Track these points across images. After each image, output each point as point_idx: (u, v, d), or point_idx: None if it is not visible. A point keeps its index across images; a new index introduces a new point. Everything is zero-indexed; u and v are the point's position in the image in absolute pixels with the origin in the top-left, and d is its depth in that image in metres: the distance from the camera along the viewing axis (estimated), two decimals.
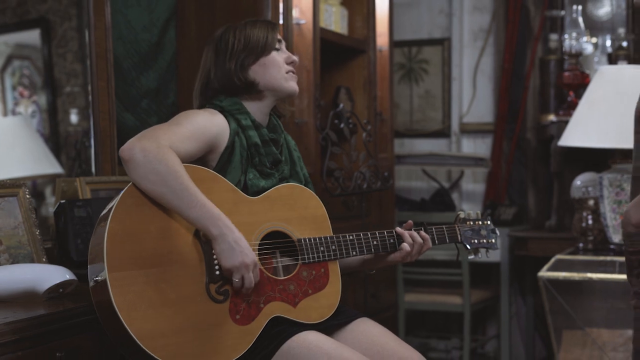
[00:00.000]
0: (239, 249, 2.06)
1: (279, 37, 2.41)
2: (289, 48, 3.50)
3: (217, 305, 2.09)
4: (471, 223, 2.52)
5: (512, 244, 4.64)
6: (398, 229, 2.39)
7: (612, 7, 4.90)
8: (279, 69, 2.36)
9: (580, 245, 3.93)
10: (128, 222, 2.03)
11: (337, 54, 4.21)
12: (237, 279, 2.08)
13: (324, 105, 3.74)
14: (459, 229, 2.49)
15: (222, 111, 2.32)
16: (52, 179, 3.16)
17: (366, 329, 2.33)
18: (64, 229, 2.53)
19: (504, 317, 4.77)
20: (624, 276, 3.30)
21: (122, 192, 2.06)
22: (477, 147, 5.21)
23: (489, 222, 2.55)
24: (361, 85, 4.29)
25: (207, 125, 2.23)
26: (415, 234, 2.38)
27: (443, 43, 5.27)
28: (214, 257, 2.10)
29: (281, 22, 3.50)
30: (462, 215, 2.54)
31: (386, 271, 4.37)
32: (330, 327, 2.28)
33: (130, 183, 2.08)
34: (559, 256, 3.74)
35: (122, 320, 1.95)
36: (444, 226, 2.48)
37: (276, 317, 2.17)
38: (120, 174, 2.97)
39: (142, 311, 1.99)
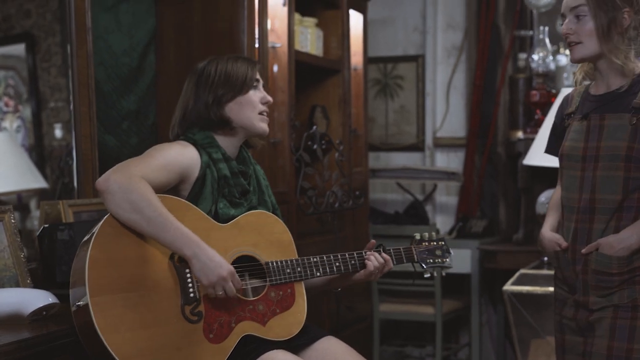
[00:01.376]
0: (213, 264, 2.22)
1: (258, 76, 2.55)
2: (264, 71, 3.65)
3: (192, 326, 2.25)
4: (427, 244, 2.69)
5: (481, 257, 4.80)
6: (362, 252, 2.56)
7: None
8: (253, 108, 2.51)
9: (545, 259, 4.10)
10: (107, 250, 2.19)
11: (312, 74, 4.36)
12: (220, 292, 2.24)
13: (299, 126, 3.89)
14: (415, 250, 2.67)
15: (195, 144, 2.47)
16: (37, 192, 3.29)
17: (331, 347, 2.49)
18: (47, 252, 2.67)
19: (475, 326, 4.93)
20: None
21: (101, 222, 2.21)
22: (450, 160, 5.38)
23: (443, 243, 2.73)
24: (336, 103, 4.44)
25: (178, 157, 2.39)
26: (377, 255, 2.56)
27: (417, 60, 5.43)
28: (189, 280, 2.25)
29: (257, 45, 3.64)
30: (418, 236, 2.71)
31: (362, 283, 4.53)
32: (297, 346, 2.44)
33: (107, 214, 2.23)
34: (523, 270, 3.91)
35: (105, 342, 2.10)
36: (401, 247, 2.66)
37: (247, 336, 2.33)
38: None
39: (122, 333, 2.14)
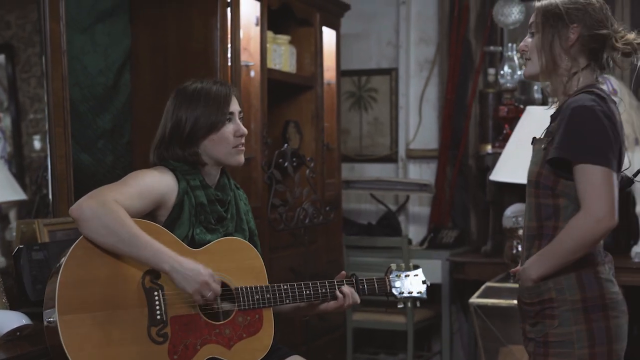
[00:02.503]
0: (192, 273, 2.32)
1: (233, 108, 2.58)
2: (237, 89, 3.74)
3: (157, 347, 2.34)
4: (401, 274, 2.75)
5: (451, 267, 4.92)
6: (333, 281, 2.63)
7: None
8: (227, 144, 2.56)
9: (511, 271, 4.21)
10: (79, 270, 2.29)
11: (286, 90, 4.46)
12: (208, 295, 2.34)
13: (271, 143, 3.99)
14: (388, 281, 2.73)
15: (174, 171, 2.54)
16: (16, 203, 3.36)
17: None
18: (22, 272, 2.76)
19: (445, 334, 5.04)
20: None
21: (74, 245, 2.31)
22: (423, 172, 5.49)
23: (418, 274, 2.78)
24: (309, 118, 4.55)
25: (154, 185, 2.47)
26: (348, 286, 2.63)
27: (390, 73, 5.54)
28: (156, 302, 2.35)
29: (229, 64, 3.74)
30: (393, 267, 2.77)
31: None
32: None
33: (81, 237, 2.32)
34: (488, 283, 4.02)
35: (70, 359, 2.20)
36: (374, 278, 2.72)
37: (212, 358, 2.42)
38: None
39: (88, 350, 2.25)
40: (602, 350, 2.30)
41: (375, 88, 5.59)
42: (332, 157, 4.77)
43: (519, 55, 2.51)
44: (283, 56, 4.33)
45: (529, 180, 2.41)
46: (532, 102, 4.88)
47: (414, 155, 5.52)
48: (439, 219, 5.34)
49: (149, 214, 2.49)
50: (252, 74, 3.95)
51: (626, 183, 2.43)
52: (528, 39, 2.44)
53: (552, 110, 2.48)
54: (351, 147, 5.63)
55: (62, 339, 2.21)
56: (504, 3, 4.82)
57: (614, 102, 2.37)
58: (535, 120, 4.00)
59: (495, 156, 4.64)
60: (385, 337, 5.47)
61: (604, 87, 2.86)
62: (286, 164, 3.70)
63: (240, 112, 2.62)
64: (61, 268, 2.27)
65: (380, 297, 2.78)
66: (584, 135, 2.24)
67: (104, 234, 2.29)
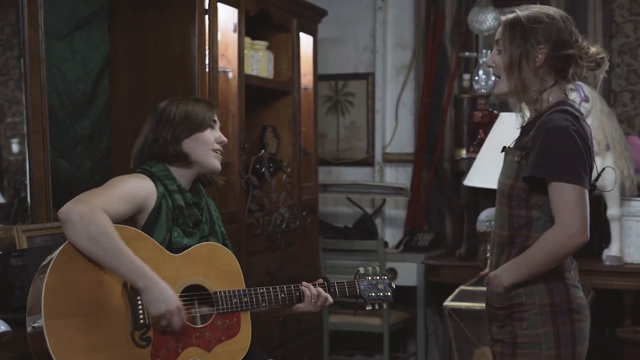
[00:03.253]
0: (163, 298, 2.38)
1: (216, 118, 2.72)
2: (214, 95, 3.80)
3: (140, 350, 2.40)
4: (370, 278, 2.85)
5: (426, 270, 4.98)
6: (304, 283, 2.73)
7: None
8: (208, 146, 2.68)
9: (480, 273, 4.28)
10: (64, 276, 2.34)
11: (264, 95, 4.51)
12: (164, 324, 2.40)
13: (249, 148, 4.04)
14: (358, 284, 2.83)
15: (152, 176, 2.63)
16: None
17: None
18: (1, 278, 2.79)
19: (420, 336, 5.11)
20: None
21: (59, 249, 2.36)
22: (399, 175, 5.56)
23: (385, 278, 2.89)
24: (286, 123, 4.60)
25: (136, 189, 2.55)
26: (316, 289, 2.72)
27: (367, 77, 5.61)
28: (140, 307, 2.40)
29: (207, 70, 3.79)
30: (362, 271, 2.88)
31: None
32: None
33: (67, 241, 2.38)
34: (462, 287, 4.09)
35: None
36: (345, 281, 2.82)
37: None
38: (55, 220, 3.23)
39: (74, 355, 2.29)
40: (567, 351, 2.41)
41: (352, 92, 5.65)
42: (309, 161, 4.82)
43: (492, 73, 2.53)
44: (260, 62, 4.38)
45: (501, 191, 2.49)
46: (508, 108, 4.94)
47: (390, 159, 5.58)
48: (415, 222, 5.40)
49: (129, 219, 2.55)
50: (230, 76, 4.00)
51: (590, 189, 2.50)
52: (496, 55, 2.50)
53: (520, 121, 2.56)
54: (328, 151, 5.69)
55: (48, 344, 2.25)
56: (479, 10, 4.89)
57: (584, 118, 2.45)
58: (509, 126, 4.06)
59: (470, 161, 4.71)
60: (361, 339, 5.53)
61: (576, 94, 2.92)
62: (263, 169, 3.76)
63: (219, 125, 2.74)
64: (47, 273, 2.31)
65: (351, 299, 2.87)
66: (559, 155, 2.34)
67: (86, 239, 2.34)
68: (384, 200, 5.53)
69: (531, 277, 2.40)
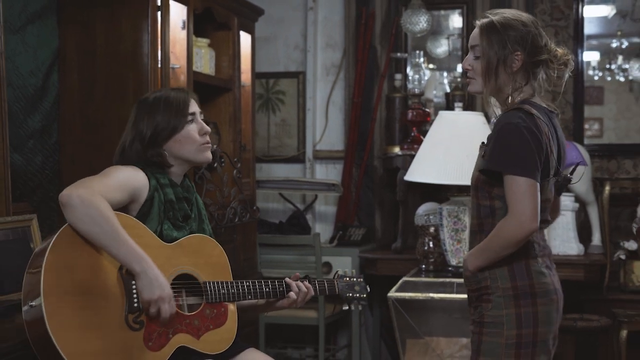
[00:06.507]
0: (157, 284, 2.44)
1: (193, 108, 2.74)
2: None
3: (133, 333, 2.47)
4: (347, 279, 3.00)
5: (362, 264, 5.13)
6: (287, 279, 2.83)
7: (449, 47, 5.48)
8: (193, 143, 2.72)
9: (423, 266, 4.47)
10: (63, 256, 2.39)
11: (206, 92, 4.55)
12: (154, 310, 2.46)
13: None
14: (337, 283, 2.95)
15: (144, 169, 2.67)
16: None
17: (255, 358, 2.75)
18: None
19: (355, 328, 5.25)
20: (460, 295, 3.85)
21: (59, 231, 2.41)
22: (329, 172, 5.69)
23: (361, 280, 3.03)
24: (227, 120, 4.66)
25: (131, 179, 2.60)
26: (300, 284, 2.83)
27: (298, 76, 5.72)
28: (134, 291, 2.47)
29: (159, 66, 3.82)
30: (340, 272, 3.02)
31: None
32: (223, 357, 2.68)
33: (66, 224, 2.43)
34: (405, 278, 4.25)
35: (53, 339, 2.29)
36: (325, 280, 2.94)
37: (182, 347, 2.56)
38: (15, 214, 3.22)
39: (70, 332, 2.34)
40: (528, 332, 2.58)
41: (283, 91, 5.75)
42: (247, 158, 4.89)
43: (466, 74, 2.72)
44: (203, 59, 4.43)
45: (472, 183, 2.69)
46: (442, 107, 5.17)
47: (321, 156, 5.71)
48: (346, 218, 5.54)
49: (121, 208, 2.60)
50: (178, 72, 4.04)
51: (563, 183, 2.70)
52: (472, 60, 2.67)
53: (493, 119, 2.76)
54: (259, 148, 5.77)
55: (46, 321, 2.29)
56: (412, 12, 5.07)
57: (540, 116, 2.60)
58: (448, 124, 4.26)
59: (405, 157, 4.88)
60: (293, 332, 5.64)
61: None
62: (215, 164, 3.82)
63: (200, 113, 2.75)
64: (47, 251, 2.35)
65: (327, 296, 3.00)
66: (510, 150, 2.52)
67: (88, 222, 2.39)
68: (315, 196, 5.65)
69: (491, 261, 2.60)
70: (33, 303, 2.34)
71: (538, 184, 2.53)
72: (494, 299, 2.60)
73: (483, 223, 2.64)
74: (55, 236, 2.40)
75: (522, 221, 2.49)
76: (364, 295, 2.99)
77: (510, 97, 2.63)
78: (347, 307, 2.99)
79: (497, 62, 2.59)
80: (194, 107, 2.75)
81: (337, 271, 3.02)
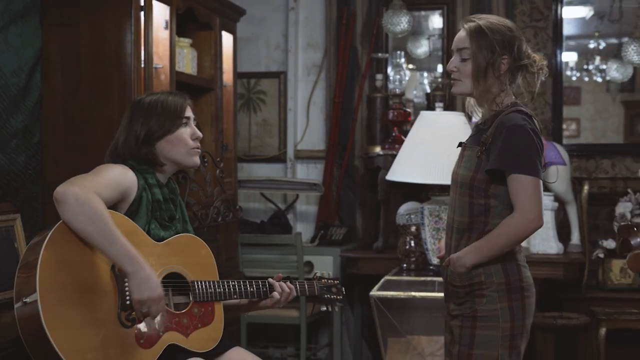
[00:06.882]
0: (148, 284, 2.46)
1: (188, 113, 2.78)
2: (149, 91, 3.84)
3: (126, 330, 2.50)
4: (325, 281, 3.06)
5: (343, 263, 5.16)
6: (270, 279, 2.86)
7: (429, 48, 5.52)
8: (184, 145, 2.75)
9: (404, 265, 4.50)
10: (58, 254, 2.41)
11: (187, 92, 4.53)
12: (144, 310, 2.47)
13: None
14: (316, 285, 3.01)
15: (133, 168, 2.69)
16: None
17: (241, 356, 2.77)
18: None
19: (336, 327, 5.28)
20: (442, 294, 3.89)
21: (53, 228, 2.42)
22: (310, 171, 5.72)
23: (338, 282, 3.09)
24: (209, 120, 4.67)
25: (121, 178, 2.62)
26: (283, 284, 2.87)
27: (279, 76, 5.74)
28: (126, 289, 2.49)
29: (142, 66, 3.82)
30: (318, 274, 3.09)
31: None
32: (210, 355, 2.71)
33: (60, 221, 2.44)
34: (387, 277, 4.28)
35: (49, 336, 2.31)
36: (305, 281, 2.99)
37: (171, 345, 2.59)
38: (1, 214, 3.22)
39: (65, 330, 2.36)
40: (519, 323, 2.73)
41: (264, 90, 5.77)
42: (229, 158, 4.90)
43: (451, 76, 2.81)
44: (185, 59, 4.44)
45: (461, 182, 2.75)
46: (423, 107, 5.21)
47: (302, 156, 5.73)
48: (327, 217, 5.57)
49: (111, 207, 2.60)
50: (161, 72, 4.05)
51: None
52: (458, 62, 2.76)
53: (476, 119, 2.81)
54: (240, 148, 5.78)
55: (42, 317, 2.30)
56: (393, 13, 5.10)
57: (536, 117, 2.75)
58: (430, 125, 4.30)
59: (386, 157, 4.92)
60: (275, 331, 5.66)
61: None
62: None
63: (194, 119, 2.78)
64: (42, 248, 2.37)
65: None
66: (519, 150, 2.63)
67: (81, 220, 2.40)
68: (297, 196, 5.67)
69: (491, 258, 2.69)
70: (27, 299, 2.35)
71: (542, 183, 2.66)
72: (488, 294, 2.71)
73: (474, 221, 2.73)
74: (50, 232, 2.41)
75: (530, 219, 2.61)
76: (340, 297, 3.06)
77: (495, 100, 2.72)
78: (325, 309, 3.04)
79: (486, 65, 2.69)
80: (189, 112, 2.80)
81: (315, 273, 3.09)
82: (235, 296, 2.77)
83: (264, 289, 2.86)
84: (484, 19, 2.74)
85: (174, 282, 2.67)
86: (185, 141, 2.75)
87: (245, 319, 5.10)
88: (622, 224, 3.28)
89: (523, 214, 2.61)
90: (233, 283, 2.78)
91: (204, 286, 2.70)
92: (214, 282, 2.73)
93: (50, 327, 2.32)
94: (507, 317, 2.70)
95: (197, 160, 2.80)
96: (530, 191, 2.61)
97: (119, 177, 2.61)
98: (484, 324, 2.71)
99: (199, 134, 2.80)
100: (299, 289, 2.95)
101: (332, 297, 3.03)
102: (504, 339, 2.70)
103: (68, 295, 2.39)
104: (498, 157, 2.63)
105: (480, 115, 2.82)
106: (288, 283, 2.90)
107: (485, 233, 2.70)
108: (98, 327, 2.43)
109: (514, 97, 2.75)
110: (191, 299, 2.68)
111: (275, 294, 2.86)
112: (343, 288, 3.09)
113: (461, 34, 2.76)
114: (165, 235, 2.70)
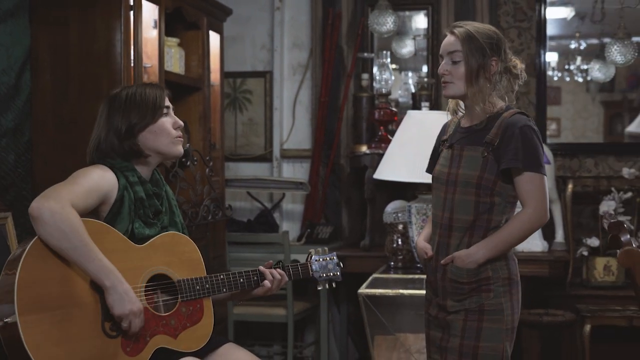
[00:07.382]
0: (127, 298, 2.46)
1: (167, 103, 2.76)
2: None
3: (111, 340, 2.48)
4: (320, 259, 3.00)
5: None
6: (261, 267, 2.84)
7: (414, 48, 5.56)
8: (167, 135, 2.73)
9: (392, 263, 4.53)
10: (35, 271, 2.38)
11: (175, 91, 4.57)
12: (125, 324, 2.47)
13: None
14: (310, 266, 2.97)
15: (112, 167, 2.66)
16: None
17: (233, 352, 2.77)
18: None
19: (323, 324, 5.30)
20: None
21: (29, 244, 2.39)
22: (296, 170, 5.74)
23: (334, 258, 3.04)
24: (197, 119, 4.69)
25: (99, 182, 2.59)
26: (274, 271, 2.84)
27: (265, 76, 5.76)
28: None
29: (132, 66, 3.84)
30: (312, 252, 3.02)
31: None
32: (202, 353, 2.70)
33: (36, 237, 2.41)
34: (375, 275, 4.31)
35: (31, 356, 2.30)
36: (298, 264, 2.95)
37: (160, 348, 2.58)
38: None
39: (48, 348, 2.35)
40: (517, 315, 2.89)
41: (250, 90, 5.79)
42: (217, 156, 4.93)
43: (442, 79, 2.89)
44: (173, 58, 4.46)
45: (464, 182, 2.83)
46: (409, 107, 5.25)
47: (288, 155, 5.76)
48: (313, 216, 5.60)
49: (92, 210, 2.59)
50: (150, 72, 4.07)
51: None
52: (449, 65, 2.85)
53: (466, 123, 2.95)
54: (226, 147, 5.78)
55: (23, 339, 2.29)
56: (379, 13, 5.13)
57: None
58: (417, 124, 4.33)
59: (372, 156, 4.95)
60: (261, 329, 5.67)
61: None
62: (188, 162, 3.85)
63: (172, 109, 2.79)
64: (18, 268, 2.34)
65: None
66: (532, 149, 2.78)
67: (57, 237, 2.39)
68: (283, 195, 5.70)
69: (502, 253, 2.81)
70: (8, 320, 2.33)
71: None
72: (495, 289, 2.81)
73: (478, 219, 2.81)
74: (27, 248, 2.38)
75: (542, 215, 2.79)
76: (338, 273, 3.01)
77: (489, 99, 2.82)
78: (321, 288, 3.01)
79: (477, 67, 2.80)
80: (168, 102, 2.77)
81: (310, 251, 3.02)
82: (224, 289, 2.74)
83: (255, 278, 2.82)
84: (470, 25, 2.86)
85: (160, 284, 2.64)
86: (167, 130, 2.72)
87: (232, 317, 5.12)
88: (612, 221, 3.36)
89: (537, 210, 2.77)
90: (222, 276, 2.74)
91: (190, 284, 2.67)
92: (200, 278, 2.70)
93: (31, 347, 2.30)
94: (510, 310, 2.83)
95: (180, 149, 2.78)
96: (543, 189, 2.78)
97: (97, 181, 2.58)
98: (490, 317, 2.81)
99: (180, 122, 2.78)
100: (292, 272, 2.91)
101: (328, 275, 2.98)
102: (507, 332, 2.83)
103: (49, 312, 2.37)
104: (516, 156, 2.75)
105: (460, 117, 2.94)
106: (279, 269, 2.87)
107: (489, 230, 2.81)
108: (83, 341, 2.41)
109: (501, 100, 2.85)
110: (179, 299, 2.66)
111: (267, 282, 2.82)
112: (340, 263, 3.03)
113: (450, 38, 2.85)
114: (151, 233, 2.67)
